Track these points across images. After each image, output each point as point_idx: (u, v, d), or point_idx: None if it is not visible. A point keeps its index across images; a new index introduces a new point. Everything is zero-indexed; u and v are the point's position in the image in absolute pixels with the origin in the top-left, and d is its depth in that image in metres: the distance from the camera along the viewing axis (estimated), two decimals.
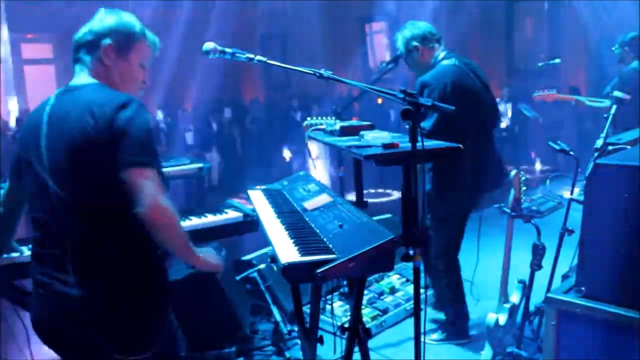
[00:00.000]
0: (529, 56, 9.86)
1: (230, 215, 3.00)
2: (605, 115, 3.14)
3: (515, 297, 2.73)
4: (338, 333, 2.52)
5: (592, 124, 7.12)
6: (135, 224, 1.60)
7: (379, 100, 9.33)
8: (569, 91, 6.67)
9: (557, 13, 9.62)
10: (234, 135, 8.97)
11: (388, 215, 4.25)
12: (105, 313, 1.68)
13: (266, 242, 1.98)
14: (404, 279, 3.90)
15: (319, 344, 2.38)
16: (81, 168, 1.64)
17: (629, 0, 7.06)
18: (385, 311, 3.55)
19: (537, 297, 2.87)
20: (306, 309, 3.05)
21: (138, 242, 1.69)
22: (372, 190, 7.20)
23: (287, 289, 3.32)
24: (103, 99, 1.65)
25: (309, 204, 2.28)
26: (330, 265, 1.61)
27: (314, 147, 6.06)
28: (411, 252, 1.76)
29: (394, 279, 3.90)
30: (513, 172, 2.64)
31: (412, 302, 3.51)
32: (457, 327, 3.25)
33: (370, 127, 2.37)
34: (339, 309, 3.50)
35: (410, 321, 3.39)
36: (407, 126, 1.68)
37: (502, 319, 2.67)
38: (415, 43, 3.17)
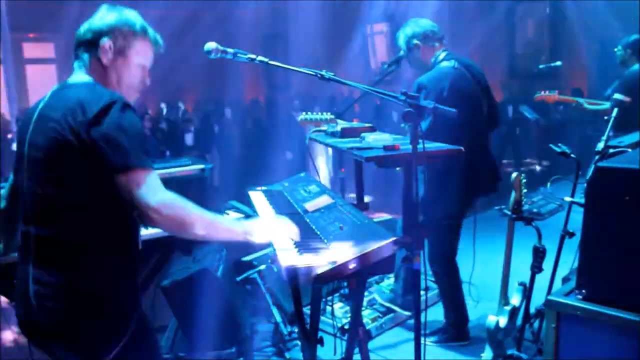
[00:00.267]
0: (531, 58, 9.86)
1: (232, 216, 3.01)
2: (606, 118, 3.14)
3: (515, 300, 2.73)
4: (338, 334, 2.53)
5: (594, 127, 7.12)
6: (108, 229, 1.59)
7: (377, 102, 9.33)
8: (571, 94, 6.67)
9: (559, 15, 9.62)
10: (235, 136, 8.96)
11: (388, 217, 4.25)
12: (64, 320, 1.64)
13: (267, 243, 1.98)
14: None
15: (319, 345, 2.38)
16: (55, 167, 1.61)
17: (631, 1, 7.05)
18: (385, 313, 3.54)
19: (537, 300, 2.86)
20: (306, 310, 3.05)
21: (109, 249, 1.66)
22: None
23: (287, 290, 3.32)
24: (89, 98, 1.60)
25: (309, 205, 2.28)
26: (330, 267, 1.61)
27: (315, 149, 6.05)
28: (411, 253, 1.76)
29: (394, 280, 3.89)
30: (514, 175, 2.64)
31: None
32: (456, 329, 3.25)
33: (371, 129, 2.38)
34: (339, 310, 3.50)
35: (410, 323, 3.42)
36: (402, 126, 1.68)
37: (503, 321, 2.66)
38: (416, 41, 3.15)
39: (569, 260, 2.76)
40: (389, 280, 3.87)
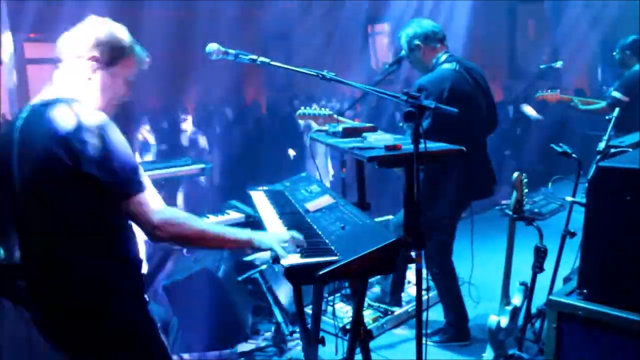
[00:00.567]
0: (531, 58, 9.85)
1: (232, 216, 3.02)
2: (607, 118, 3.13)
3: (517, 300, 2.73)
4: (340, 334, 2.53)
5: (595, 127, 7.11)
6: (100, 240, 1.60)
7: (373, 103, 9.32)
8: (574, 94, 6.66)
9: (560, 15, 9.61)
10: (236, 136, 8.96)
11: (390, 217, 4.24)
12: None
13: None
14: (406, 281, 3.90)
15: (320, 345, 2.38)
16: (45, 188, 1.58)
17: (631, 1, 7.05)
18: (386, 313, 3.55)
19: (538, 300, 2.86)
20: (308, 310, 3.05)
21: (103, 259, 1.65)
22: None
23: (288, 290, 3.32)
24: (71, 126, 1.57)
25: (311, 205, 2.28)
26: (332, 267, 1.61)
27: (316, 149, 6.06)
28: (413, 254, 1.76)
29: None
30: (515, 174, 2.64)
31: (413, 303, 3.53)
32: (457, 329, 3.25)
33: (373, 129, 2.38)
34: (340, 310, 3.50)
35: (412, 323, 3.42)
36: (401, 126, 1.68)
37: (504, 321, 2.66)
38: (417, 42, 3.14)
39: (570, 260, 2.76)
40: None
